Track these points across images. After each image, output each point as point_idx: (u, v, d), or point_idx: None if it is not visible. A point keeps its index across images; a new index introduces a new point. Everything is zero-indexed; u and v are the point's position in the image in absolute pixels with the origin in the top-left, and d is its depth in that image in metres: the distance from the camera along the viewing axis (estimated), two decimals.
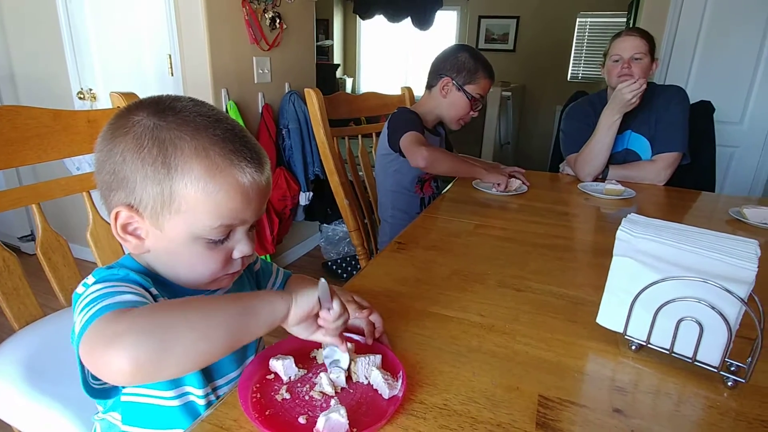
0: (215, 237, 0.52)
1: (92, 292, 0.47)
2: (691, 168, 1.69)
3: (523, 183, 1.47)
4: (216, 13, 2.06)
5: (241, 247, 0.55)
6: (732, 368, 0.59)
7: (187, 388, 0.56)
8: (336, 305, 0.50)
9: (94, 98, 2.37)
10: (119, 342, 0.39)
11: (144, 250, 0.54)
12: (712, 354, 0.58)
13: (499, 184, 1.41)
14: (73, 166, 2.18)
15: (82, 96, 2.37)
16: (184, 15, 2.05)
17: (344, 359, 0.55)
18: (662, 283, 0.59)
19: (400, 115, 1.49)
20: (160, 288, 0.55)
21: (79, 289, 0.50)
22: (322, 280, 0.50)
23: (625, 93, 1.46)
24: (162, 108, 0.51)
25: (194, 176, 0.49)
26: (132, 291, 0.48)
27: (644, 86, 1.45)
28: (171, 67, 2.14)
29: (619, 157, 1.68)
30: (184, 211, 0.50)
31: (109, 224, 0.54)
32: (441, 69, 1.51)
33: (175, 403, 0.56)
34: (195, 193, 0.49)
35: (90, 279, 0.51)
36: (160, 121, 0.50)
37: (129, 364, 0.38)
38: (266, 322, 0.47)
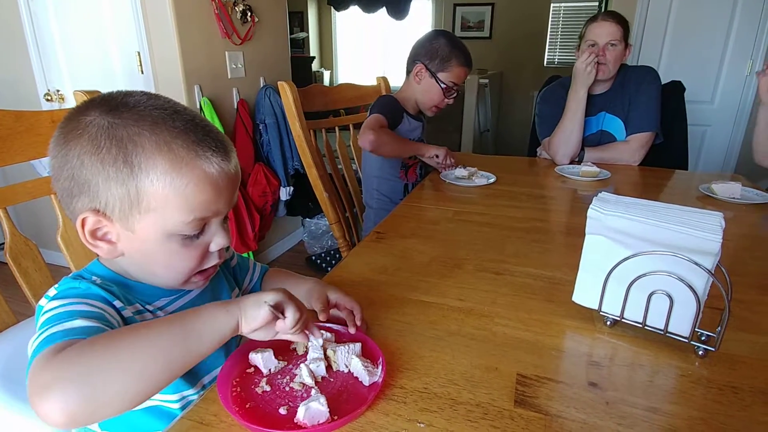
0: (190, 232, 0.51)
1: (49, 310, 0.46)
2: (665, 147, 1.72)
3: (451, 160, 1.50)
4: (184, 8, 2.01)
5: (217, 240, 0.53)
6: (702, 338, 0.60)
7: (158, 396, 0.55)
8: (290, 315, 0.47)
9: (62, 99, 2.31)
10: (49, 394, 0.37)
11: (117, 254, 0.52)
12: (682, 325, 0.60)
13: (437, 156, 1.46)
14: (44, 169, 2.12)
15: (49, 98, 2.30)
16: (150, 11, 2.00)
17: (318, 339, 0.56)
18: (633, 259, 0.60)
19: (378, 101, 1.50)
20: (131, 293, 0.54)
21: (42, 301, 0.49)
22: (266, 305, 0.46)
23: (578, 65, 1.53)
24: (114, 105, 0.49)
25: (159, 172, 0.47)
26: (86, 311, 0.46)
27: (595, 56, 1.51)
28: (140, 65, 2.09)
29: (594, 138, 1.70)
30: (153, 209, 0.48)
31: None
32: (416, 55, 1.51)
33: (148, 404, 0.55)
34: (163, 189, 0.47)
35: (52, 291, 0.49)
36: (114, 119, 0.47)
37: (62, 416, 0.37)
38: (212, 341, 0.44)
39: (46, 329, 0.43)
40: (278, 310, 0.47)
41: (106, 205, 0.49)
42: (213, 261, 0.55)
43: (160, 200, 0.48)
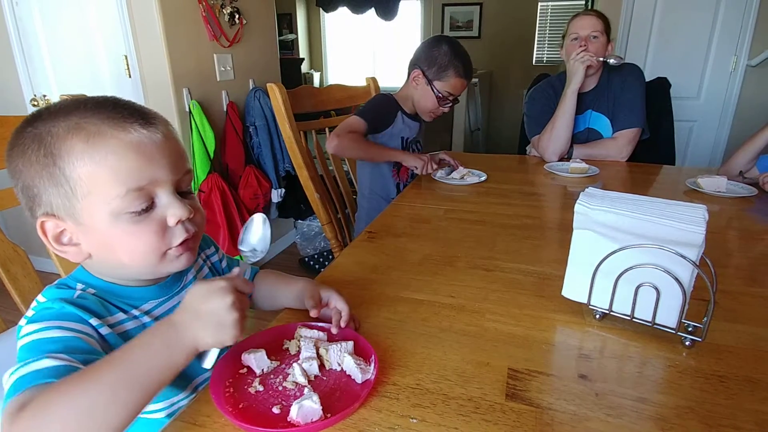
0: (133, 207, 0.48)
1: (25, 335, 0.46)
2: (652, 143, 1.74)
3: (453, 165, 1.49)
4: (171, 11, 2.00)
5: (173, 211, 0.50)
6: (689, 329, 0.61)
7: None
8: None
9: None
10: None
11: (85, 256, 0.52)
12: (669, 317, 0.61)
13: (416, 167, 1.39)
14: None
15: (35, 103, 2.28)
16: (137, 14, 1.99)
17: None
18: (620, 252, 0.61)
19: (369, 101, 1.49)
20: (117, 297, 0.53)
21: (21, 321, 0.49)
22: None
23: (577, 61, 1.56)
24: (40, 112, 0.50)
25: (77, 153, 0.47)
26: (58, 338, 0.45)
27: (582, 48, 1.55)
28: (128, 68, 2.07)
29: (582, 136, 1.72)
30: (88, 193, 0.47)
31: None
32: (416, 59, 1.49)
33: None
34: (86, 168, 0.47)
35: (30, 312, 0.49)
36: (37, 122, 0.49)
37: None
38: (178, 369, 0.44)
39: (18, 368, 0.42)
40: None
41: (51, 206, 0.49)
42: (179, 236, 0.52)
43: (88, 181, 0.47)
